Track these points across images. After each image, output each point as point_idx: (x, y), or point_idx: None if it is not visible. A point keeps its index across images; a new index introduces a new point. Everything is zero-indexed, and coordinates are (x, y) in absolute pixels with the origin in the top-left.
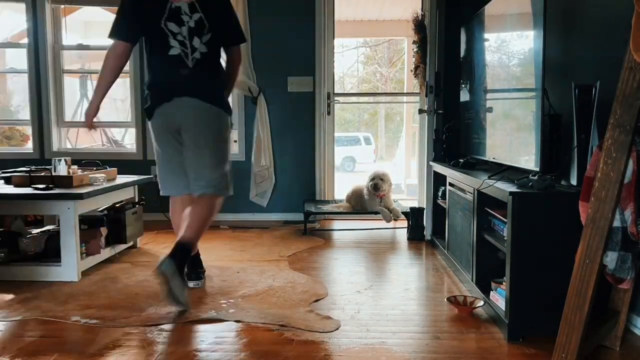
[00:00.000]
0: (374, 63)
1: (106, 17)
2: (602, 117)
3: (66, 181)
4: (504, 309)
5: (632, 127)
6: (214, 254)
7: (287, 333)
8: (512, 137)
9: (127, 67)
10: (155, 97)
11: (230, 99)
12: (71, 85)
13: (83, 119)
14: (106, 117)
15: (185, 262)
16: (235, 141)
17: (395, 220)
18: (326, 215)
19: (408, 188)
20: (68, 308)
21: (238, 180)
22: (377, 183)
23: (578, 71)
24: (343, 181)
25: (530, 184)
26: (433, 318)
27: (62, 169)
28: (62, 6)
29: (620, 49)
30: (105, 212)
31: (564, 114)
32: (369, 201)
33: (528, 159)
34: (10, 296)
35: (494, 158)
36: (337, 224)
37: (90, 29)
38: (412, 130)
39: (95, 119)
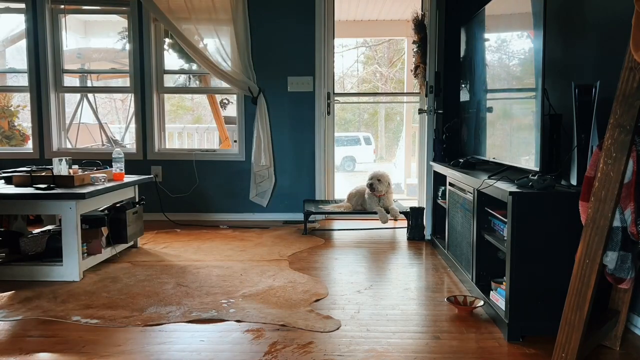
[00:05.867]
0: (374, 63)
1: (106, 17)
2: (602, 117)
3: (67, 181)
4: (504, 309)
5: (632, 127)
6: (214, 253)
7: (287, 333)
8: (512, 137)
9: (126, 67)
10: None
11: None
12: (71, 85)
13: (83, 119)
14: (106, 117)
15: None
16: (235, 141)
17: (394, 220)
18: (326, 215)
19: (408, 188)
20: (68, 308)
21: (238, 180)
22: (373, 183)
23: (578, 71)
24: (343, 181)
25: (530, 184)
26: (433, 318)
27: (63, 169)
28: (62, 6)
29: (620, 49)
30: (106, 211)
31: (564, 114)
32: (369, 201)
33: (528, 159)
34: (10, 296)
35: (494, 158)
36: (337, 224)
37: (90, 29)
38: (412, 130)
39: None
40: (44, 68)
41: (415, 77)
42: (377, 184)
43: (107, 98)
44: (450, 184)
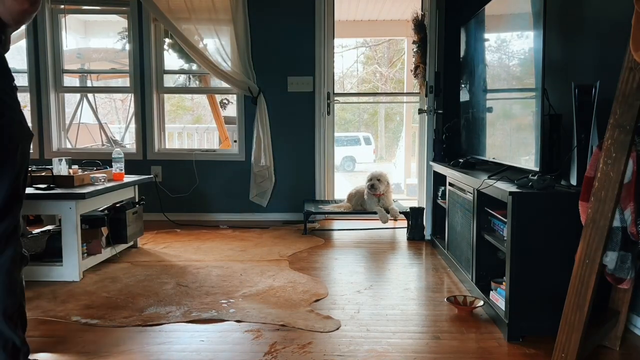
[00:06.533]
0: (373, 63)
1: (106, 17)
2: (602, 117)
3: (67, 181)
4: (504, 309)
5: (632, 127)
6: (214, 254)
7: (287, 333)
8: (512, 137)
9: (126, 67)
10: None
11: None
12: (71, 85)
13: (83, 119)
14: (106, 117)
15: None
16: (235, 141)
17: (394, 220)
18: (326, 215)
19: (408, 188)
20: (68, 308)
21: (238, 180)
22: (374, 184)
23: (578, 71)
24: (343, 181)
25: (530, 184)
26: (433, 318)
27: (62, 169)
28: (62, 6)
29: (620, 49)
30: (106, 211)
31: (564, 114)
32: (368, 201)
33: (528, 159)
34: None
35: (493, 158)
36: (337, 224)
37: (90, 29)
38: (412, 130)
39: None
40: (44, 68)
41: (415, 77)
42: (377, 183)
43: (107, 98)
44: (450, 184)
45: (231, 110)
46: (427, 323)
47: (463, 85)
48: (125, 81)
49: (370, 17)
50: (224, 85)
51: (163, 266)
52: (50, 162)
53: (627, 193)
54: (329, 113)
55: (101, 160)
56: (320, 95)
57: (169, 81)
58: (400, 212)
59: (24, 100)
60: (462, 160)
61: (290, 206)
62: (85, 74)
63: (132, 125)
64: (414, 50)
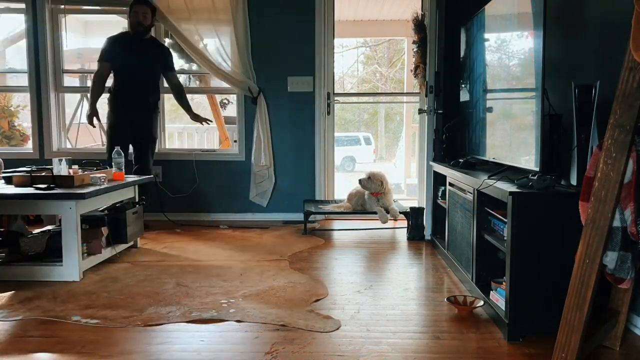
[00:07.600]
0: (374, 63)
1: (106, 17)
2: (602, 117)
3: (67, 181)
4: (504, 309)
5: (632, 127)
6: (214, 254)
7: (287, 333)
8: (512, 137)
9: None
10: None
11: None
12: (71, 85)
13: (83, 119)
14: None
15: None
16: (235, 141)
17: (394, 220)
18: (326, 215)
19: (408, 188)
20: (68, 308)
21: (238, 180)
22: (362, 180)
23: (578, 71)
24: (343, 181)
25: (530, 184)
26: (433, 318)
27: (63, 169)
28: (62, 6)
29: (620, 49)
30: (106, 211)
31: (564, 114)
32: (368, 201)
33: (528, 159)
34: (10, 296)
35: (494, 158)
36: (337, 224)
37: (90, 29)
38: (412, 130)
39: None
40: (44, 68)
41: (415, 77)
42: (365, 181)
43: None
44: (450, 184)
45: (231, 110)
46: (427, 323)
47: (463, 85)
48: None
49: (370, 17)
50: (224, 85)
51: (163, 266)
52: (50, 162)
53: (627, 193)
54: (329, 113)
55: (101, 160)
56: (320, 95)
57: None
58: (400, 212)
59: (24, 100)
60: (462, 160)
61: (290, 206)
62: (85, 74)
63: None
64: (414, 50)
